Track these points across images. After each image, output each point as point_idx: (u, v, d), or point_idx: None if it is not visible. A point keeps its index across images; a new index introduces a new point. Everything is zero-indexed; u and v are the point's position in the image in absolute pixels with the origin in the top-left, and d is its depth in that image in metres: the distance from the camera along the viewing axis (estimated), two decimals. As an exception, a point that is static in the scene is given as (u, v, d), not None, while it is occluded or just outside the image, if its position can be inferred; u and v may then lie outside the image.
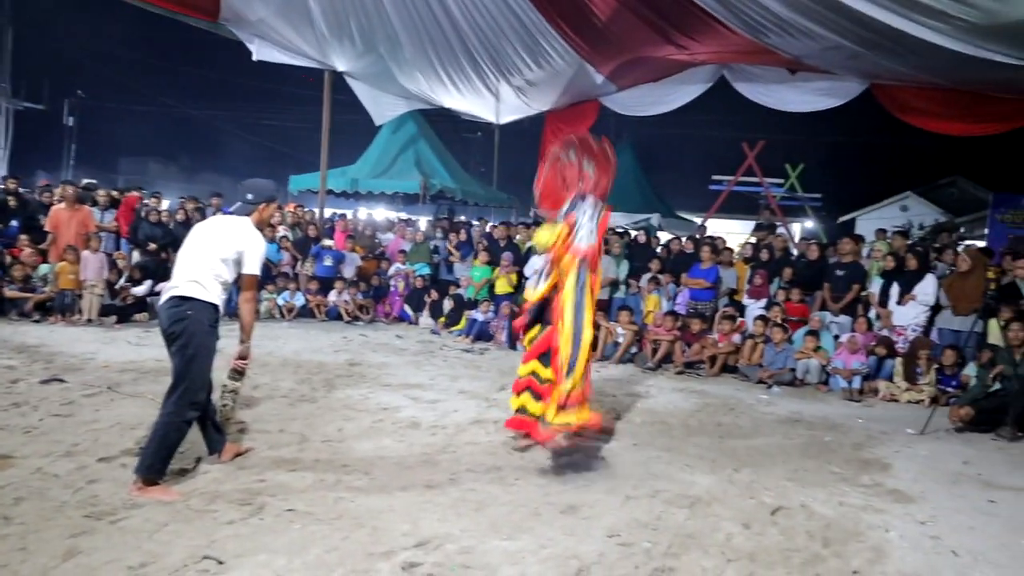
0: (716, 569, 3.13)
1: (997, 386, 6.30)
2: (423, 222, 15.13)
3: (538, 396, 4.72)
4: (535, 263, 10.18)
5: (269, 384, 6.24)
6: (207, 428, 4.03)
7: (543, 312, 4.96)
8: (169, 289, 3.75)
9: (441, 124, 19.03)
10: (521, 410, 4.81)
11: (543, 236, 4.85)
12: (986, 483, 4.68)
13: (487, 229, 12.63)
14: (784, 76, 10.78)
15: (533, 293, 5.01)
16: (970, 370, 7.02)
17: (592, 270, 4.76)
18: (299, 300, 10.70)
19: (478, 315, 9.84)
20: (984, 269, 7.34)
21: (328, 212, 14.33)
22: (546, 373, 4.73)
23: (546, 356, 4.78)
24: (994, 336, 6.78)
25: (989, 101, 9.14)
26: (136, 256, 10.24)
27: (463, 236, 11.67)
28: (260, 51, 11.14)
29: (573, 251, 4.66)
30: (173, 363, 3.65)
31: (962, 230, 22.55)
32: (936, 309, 8.00)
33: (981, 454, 5.44)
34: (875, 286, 8.41)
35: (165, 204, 12.06)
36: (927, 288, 7.85)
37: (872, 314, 8.29)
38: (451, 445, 4.80)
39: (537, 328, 5.00)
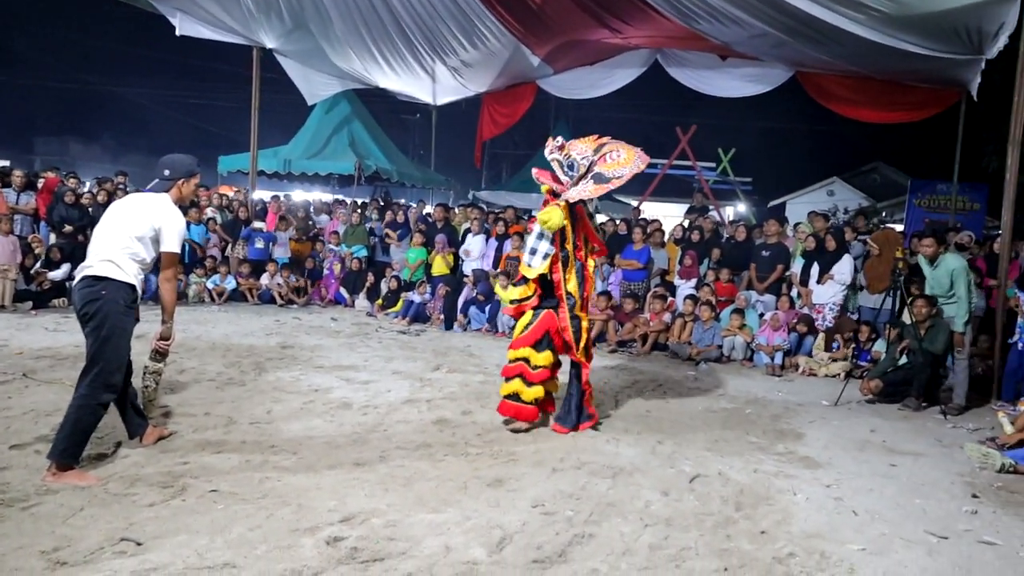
0: (633, 534, 3.26)
1: (904, 360, 6.69)
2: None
3: (530, 383, 4.74)
4: (471, 244, 10.23)
5: (196, 368, 6.11)
6: (127, 412, 3.93)
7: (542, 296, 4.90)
8: (83, 269, 3.62)
9: (378, 105, 18.71)
10: (513, 396, 4.77)
11: (555, 217, 4.67)
12: (889, 449, 4.99)
13: (424, 211, 12.56)
14: (715, 62, 11.07)
15: (530, 270, 4.82)
16: (879, 345, 7.43)
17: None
18: (230, 284, 10.43)
19: (415, 296, 9.82)
20: (892, 249, 7.75)
21: (269, 195, 14.01)
22: (539, 359, 4.76)
23: (541, 343, 4.78)
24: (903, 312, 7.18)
25: (903, 90, 9.61)
26: (53, 239, 9.78)
27: (400, 217, 11.57)
28: (183, 26, 10.69)
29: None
30: (87, 344, 3.54)
31: (883, 214, 23.66)
32: (854, 287, 8.43)
33: (887, 423, 5.78)
34: (797, 266, 8.78)
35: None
36: (843, 268, 8.23)
37: (794, 293, 8.65)
38: (382, 424, 4.81)
39: (529, 314, 4.91)
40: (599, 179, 4.79)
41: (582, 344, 4.89)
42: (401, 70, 12.52)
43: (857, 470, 4.43)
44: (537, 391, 4.77)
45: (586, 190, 4.78)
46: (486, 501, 3.53)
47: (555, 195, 4.84)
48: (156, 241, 3.71)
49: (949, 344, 6.31)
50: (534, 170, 5.09)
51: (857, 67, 9.23)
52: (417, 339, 8.51)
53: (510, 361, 4.86)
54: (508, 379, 4.84)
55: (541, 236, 4.80)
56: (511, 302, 5.00)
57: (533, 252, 4.82)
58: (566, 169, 4.79)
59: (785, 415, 5.82)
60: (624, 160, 4.84)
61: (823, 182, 28.29)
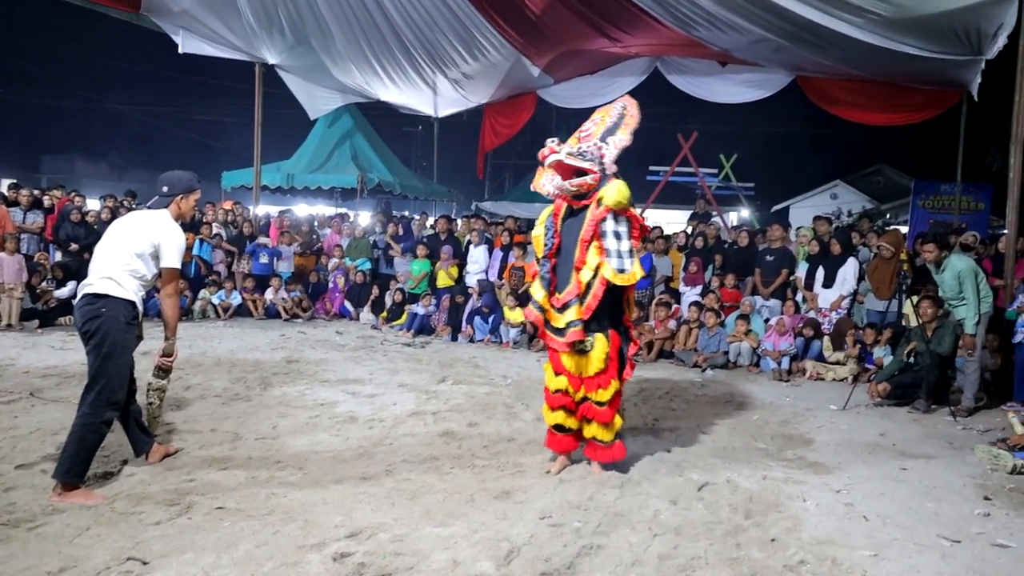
0: (642, 544, 3.23)
1: (912, 361, 6.65)
2: (364, 217, 14.97)
3: (566, 410, 4.17)
4: (473, 255, 10.21)
5: (202, 384, 6.11)
6: (131, 429, 3.93)
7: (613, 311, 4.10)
8: (83, 287, 3.64)
9: (381, 118, 18.81)
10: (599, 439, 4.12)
11: (622, 194, 3.97)
12: (899, 452, 4.95)
13: (428, 224, 12.57)
14: (715, 68, 11.12)
15: (624, 276, 3.94)
16: (879, 351, 7.39)
17: None
18: (235, 299, 10.46)
19: (419, 309, 9.81)
20: (902, 250, 7.72)
21: (273, 210, 14.07)
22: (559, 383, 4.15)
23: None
24: (909, 315, 7.13)
25: (903, 92, 9.63)
26: (59, 258, 9.84)
27: (400, 230, 11.59)
28: (186, 43, 10.80)
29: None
30: (89, 362, 3.55)
31: (888, 216, 23.63)
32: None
33: (897, 426, 5.74)
34: (802, 270, 8.74)
35: (94, 204, 11.62)
36: (847, 272, 8.19)
37: (799, 297, 8.62)
38: (388, 437, 4.80)
39: (602, 342, 4.03)
40: (609, 134, 4.31)
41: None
42: (402, 83, 12.60)
43: (867, 474, 4.39)
44: (557, 417, 4.17)
45: (615, 145, 4.19)
46: (493, 513, 3.51)
47: (581, 197, 4.12)
48: (156, 257, 3.72)
49: (956, 345, 6.27)
50: (558, 193, 4.22)
51: (857, 70, 9.24)
52: (422, 351, 8.51)
53: (597, 403, 4.05)
54: (606, 424, 4.08)
55: (619, 235, 3.97)
56: (569, 325, 3.97)
57: (630, 254, 3.96)
58: (588, 156, 4.13)
59: (793, 420, 5.78)
60: (603, 116, 4.47)
61: (826, 185, 28.29)
